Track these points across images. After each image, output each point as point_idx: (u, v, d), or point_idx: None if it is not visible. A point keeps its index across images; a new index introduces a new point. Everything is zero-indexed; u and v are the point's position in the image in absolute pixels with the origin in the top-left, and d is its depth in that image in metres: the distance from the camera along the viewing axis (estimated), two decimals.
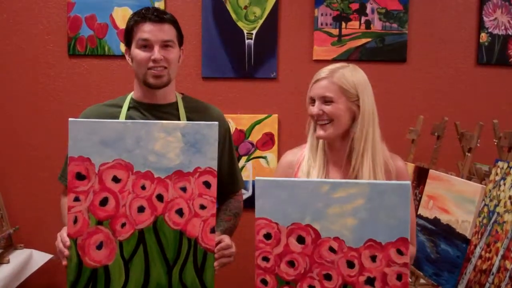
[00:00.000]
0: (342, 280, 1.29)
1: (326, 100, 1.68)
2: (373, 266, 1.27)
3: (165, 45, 1.76)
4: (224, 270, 1.62)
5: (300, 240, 1.30)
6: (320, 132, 1.69)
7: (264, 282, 1.32)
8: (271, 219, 1.30)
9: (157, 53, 1.73)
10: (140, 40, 1.74)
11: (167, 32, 1.76)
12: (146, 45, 1.74)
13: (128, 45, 1.80)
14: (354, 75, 1.73)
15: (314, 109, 1.68)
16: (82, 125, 1.44)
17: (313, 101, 1.71)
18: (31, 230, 2.75)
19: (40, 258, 2.61)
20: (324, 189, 1.28)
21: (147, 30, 1.74)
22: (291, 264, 1.31)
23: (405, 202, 1.25)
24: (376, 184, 1.29)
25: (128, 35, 1.80)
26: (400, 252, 1.25)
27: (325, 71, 1.71)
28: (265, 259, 1.31)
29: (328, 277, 1.29)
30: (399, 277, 1.26)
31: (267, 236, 1.30)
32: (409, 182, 1.26)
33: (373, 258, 1.27)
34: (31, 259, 2.60)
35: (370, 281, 1.28)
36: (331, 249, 1.29)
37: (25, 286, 2.59)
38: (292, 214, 1.29)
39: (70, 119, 1.43)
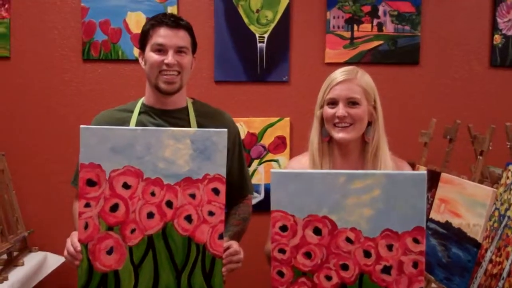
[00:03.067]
0: (359, 270, 1.31)
1: (352, 102, 1.67)
2: (389, 255, 1.29)
3: (179, 50, 1.78)
4: (233, 274, 1.63)
5: (317, 231, 1.31)
6: (341, 134, 1.68)
7: (281, 274, 1.33)
8: (287, 212, 1.32)
9: (171, 57, 1.75)
10: (155, 44, 1.77)
11: (182, 38, 1.79)
12: (161, 49, 1.77)
13: (143, 48, 1.82)
14: (369, 79, 1.74)
15: (340, 111, 1.66)
16: (93, 132, 1.46)
17: (333, 103, 1.70)
18: (45, 233, 2.78)
19: (54, 260, 2.64)
20: (341, 180, 1.29)
21: (162, 35, 1.76)
22: (307, 255, 1.32)
23: (421, 192, 1.26)
24: (393, 174, 1.31)
25: (143, 38, 1.82)
26: (416, 241, 1.28)
27: (344, 73, 1.70)
28: (281, 251, 1.33)
29: (345, 267, 1.31)
30: (415, 264, 1.28)
31: (283, 228, 1.32)
32: (425, 172, 1.27)
33: (390, 247, 1.29)
34: (45, 261, 2.63)
35: (387, 269, 1.30)
36: (348, 240, 1.30)
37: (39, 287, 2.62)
38: (309, 206, 1.31)
39: (81, 126, 1.45)
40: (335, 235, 1.31)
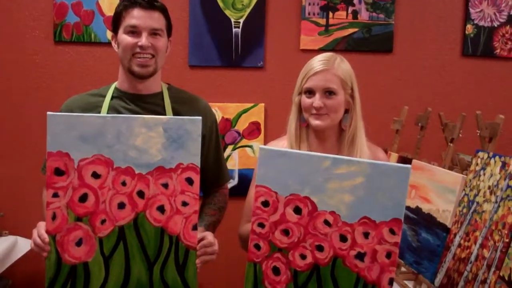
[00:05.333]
0: (333, 253, 1.33)
1: (328, 93, 1.68)
2: (365, 242, 1.31)
3: (153, 33, 1.71)
4: (207, 265, 1.63)
5: (297, 210, 1.33)
6: (317, 122, 1.69)
7: (258, 247, 1.36)
8: (271, 188, 1.33)
9: (144, 39, 1.69)
10: (128, 25, 1.70)
11: (156, 20, 1.72)
12: (134, 31, 1.70)
13: (115, 30, 1.75)
14: (348, 67, 1.74)
15: (316, 101, 1.67)
16: (61, 119, 1.39)
17: (310, 92, 1.70)
18: (16, 217, 2.74)
19: (25, 245, 2.60)
20: (326, 164, 1.31)
21: (136, 16, 1.69)
22: (285, 232, 1.35)
23: (403, 185, 1.27)
24: (378, 164, 1.31)
25: (116, 20, 1.74)
26: (392, 232, 1.29)
27: (321, 62, 1.70)
28: (261, 225, 1.35)
29: (320, 248, 1.33)
30: (389, 255, 1.30)
31: (265, 203, 1.34)
32: (410, 166, 1.28)
33: (366, 235, 1.31)
34: (16, 246, 2.59)
35: (360, 256, 1.32)
36: (326, 222, 1.32)
37: (10, 272, 2.59)
38: (292, 185, 1.33)
39: (48, 113, 1.39)
40: (314, 216, 1.33)
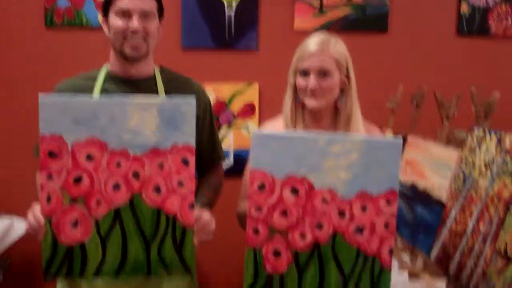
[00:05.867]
0: (332, 229, 1.35)
1: (324, 73, 1.67)
2: (363, 216, 1.34)
3: (144, 15, 1.69)
4: (205, 243, 1.63)
5: (294, 191, 1.34)
6: (312, 102, 1.69)
7: (256, 231, 1.36)
8: (266, 171, 1.33)
9: (136, 22, 1.67)
10: (119, 8, 1.67)
11: (147, 2, 1.70)
12: (125, 15, 1.68)
13: (106, 13, 1.73)
14: (343, 47, 1.74)
15: (311, 82, 1.67)
16: (53, 102, 1.38)
17: (305, 73, 1.70)
18: (12, 198, 2.74)
19: (21, 226, 2.57)
20: (321, 143, 1.32)
21: None
22: (284, 214, 1.35)
23: (396, 158, 1.31)
24: (371, 140, 1.35)
25: (106, 3, 1.72)
26: (389, 203, 1.33)
27: (316, 42, 1.70)
28: (258, 209, 1.35)
29: (319, 226, 1.35)
30: (386, 225, 1.34)
31: (261, 187, 1.34)
32: (400, 140, 1.32)
33: (364, 209, 1.33)
34: (12, 227, 2.57)
35: (359, 230, 1.34)
36: (324, 200, 1.34)
37: (7, 253, 2.60)
38: (288, 167, 1.33)
39: (40, 95, 1.38)
40: (311, 195, 1.33)
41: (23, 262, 2.85)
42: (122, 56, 1.72)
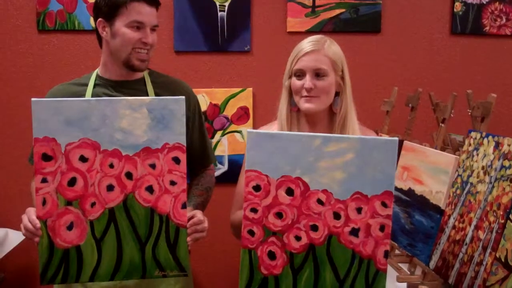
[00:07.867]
0: (328, 231, 1.33)
1: (319, 74, 1.66)
2: (358, 218, 1.32)
3: (152, 29, 1.76)
4: (198, 244, 1.62)
5: (289, 192, 1.33)
6: (308, 104, 1.68)
7: (251, 233, 1.34)
8: (261, 172, 1.32)
9: (150, 37, 1.73)
10: (135, 21, 1.71)
11: (155, 16, 1.77)
12: (139, 27, 1.72)
13: (111, 19, 1.72)
14: (338, 48, 1.73)
15: (307, 82, 1.66)
16: (45, 105, 1.41)
17: (300, 74, 1.68)
18: (6, 209, 2.71)
19: (16, 237, 2.56)
20: (316, 143, 1.31)
21: (144, 12, 1.71)
22: (279, 215, 1.34)
23: (392, 158, 1.30)
24: (366, 139, 1.33)
25: (114, 8, 1.71)
26: (384, 205, 1.31)
27: (311, 43, 1.69)
28: (253, 210, 1.34)
29: (314, 228, 1.33)
30: (382, 228, 1.32)
31: (256, 188, 1.33)
32: (396, 139, 1.30)
33: (359, 210, 1.32)
34: (6, 238, 2.55)
35: (355, 231, 1.33)
36: (319, 201, 1.33)
37: (1, 266, 2.56)
38: (283, 167, 1.32)
39: (32, 99, 1.40)
40: (307, 196, 1.33)
41: (18, 274, 2.82)
42: (127, 66, 1.76)
